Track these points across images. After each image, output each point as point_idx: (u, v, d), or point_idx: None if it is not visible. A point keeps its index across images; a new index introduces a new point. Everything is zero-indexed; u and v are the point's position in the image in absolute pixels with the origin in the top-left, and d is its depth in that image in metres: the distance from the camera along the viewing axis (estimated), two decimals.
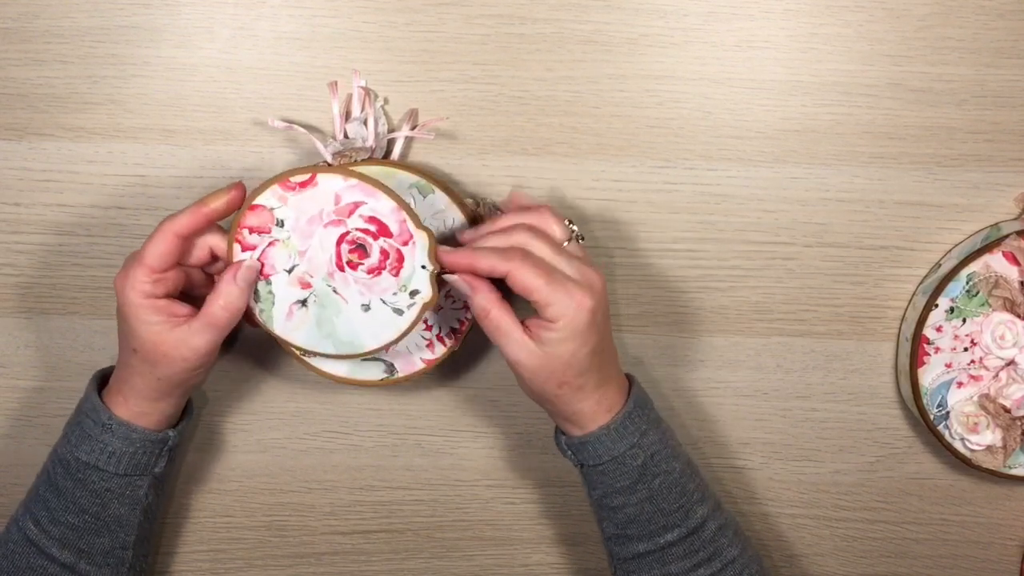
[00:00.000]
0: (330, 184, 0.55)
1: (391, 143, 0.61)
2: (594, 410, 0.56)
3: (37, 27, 0.60)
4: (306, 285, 0.57)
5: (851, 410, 0.67)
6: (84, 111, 0.61)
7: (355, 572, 0.69)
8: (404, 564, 0.69)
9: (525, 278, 0.52)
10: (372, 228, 0.55)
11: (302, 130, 0.60)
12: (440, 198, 0.59)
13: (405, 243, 0.55)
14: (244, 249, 0.56)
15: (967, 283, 0.62)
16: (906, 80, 0.62)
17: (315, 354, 0.59)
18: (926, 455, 0.68)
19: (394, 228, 0.55)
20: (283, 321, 0.57)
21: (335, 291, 0.57)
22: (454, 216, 0.59)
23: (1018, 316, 0.62)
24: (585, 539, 0.69)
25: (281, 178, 0.55)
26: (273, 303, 0.57)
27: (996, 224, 0.64)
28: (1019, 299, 0.62)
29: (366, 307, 0.57)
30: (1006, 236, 0.61)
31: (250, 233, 0.56)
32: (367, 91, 0.61)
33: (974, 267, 0.62)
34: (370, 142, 0.59)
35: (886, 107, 0.62)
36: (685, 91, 0.62)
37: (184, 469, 0.67)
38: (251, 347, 0.66)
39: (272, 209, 0.55)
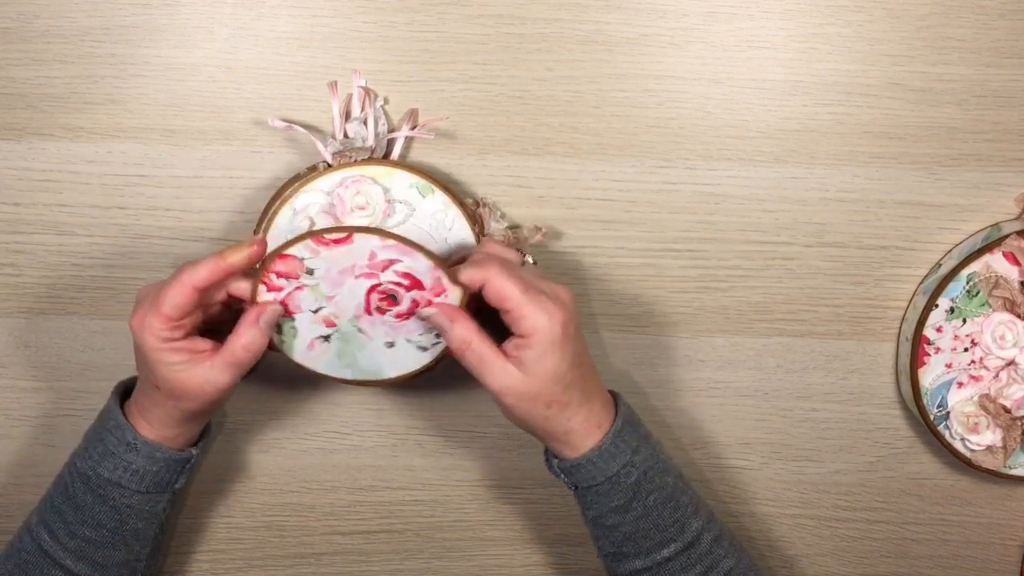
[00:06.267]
0: (366, 243, 0.54)
1: (391, 143, 0.61)
2: (584, 427, 0.56)
3: (37, 27, 0.60)
4: (331, 324, 0.56)
5: (851, 410, 0.67)
6: (84, 111, 0.61)
7: (355, 572, 0.69)
8: (404, 564, 0.69)
9: (503, 285, 0.52)
10: (405, 283, 0.55)
11: (302, 130, 0.60)
12: (440, 198, 0.59)
13: (437, 295, 0.55)
14: (270, 290, 0.55)
15: (967, 283, 0.62)
16: (906, 80, 0.62)
17: (333, 379, 0.58)
18: (926, 455, 0.68)
19: (427, 283, 0.55)
20: (303, 352, 0.57)
21: (360, 331, 0.57)
22: (453, 216, 0.59)
23: (1018, 316, 0.62)
24: (585, 539, 0.69)
25: (316, 234, 0.54)
26: (295, 336, 0.57)
27: (996, 224, 0.64)
28: (1019, 299, 0.62)
29: (390, 344, 0.57)
30: (1006, 236, 0.61)
31: (277, 277, 0.55)
32: (367, 91, 0.61)
33: (974, 267, 0.62)
34: (370, 142, 0.59)
35: (886, 107, 0.62)
36: (685, 91, 0.62)
37: None
38: None
39: (303, 259, 0.54)
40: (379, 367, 0.58)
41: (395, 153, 0.61)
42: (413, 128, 0.61)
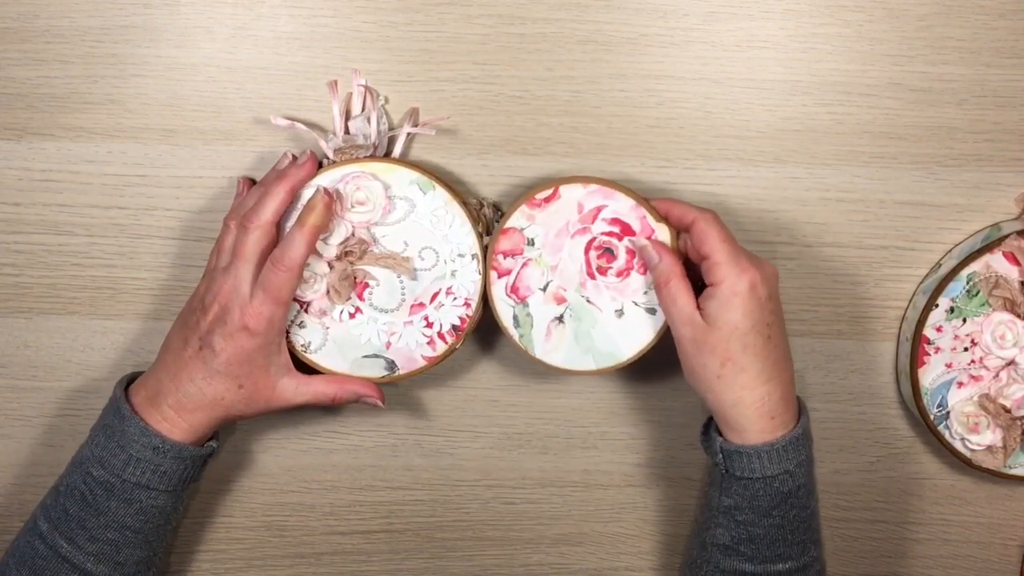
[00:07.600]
0: (572, 194, 0.58)
1: (392, 141, 0.61)
2: (756, 408, 0.55)
3: (37, 27, 0.60)
4: (561, 300, 0.59)
5: (851, 410, 0.67)
6: (84, 111, 0.61)
7: (355, 572, 0.69)
8: (404, 564, 0.69)
9: (709, 232, 0.55)
10: (616, 230, 0.58)
11: (304, 128, 0.60)
12: (440, 195, 0.59)
13: (648, 237, 0.58)
14: (500, 275, 0.58)
15: (967, 283, 0.62)
16: (906, 80, 0.62)
17: (573, 372, 0.60)
18: (926, 455, 0.68)
19: (636, 226, 0.58)
20: (542, 342, 0.59)
21: (589, 301, 0.59)
22: (454, 213, 0.59)
23: (1018, 316, 0.62)
24: (585, 539, 0.69)
25: (526, 197, 0.58)
26: (532, 325, 0.59)
27: (996, 224, 0.64)
28: (1019, 299, 0.62)
29: (619, 312, 0.59)
30: (1006, 236, 0.61)
31: (504, 258, 0.58)
32: (368, 89, 0.61)
33: (974, 267, 0.62)
34: (372, 139, 0.59)
35: (886, 107, 0.62)
36: (685, 91, 0.62)
37: None
38: None
39: (522, 229, 0.58)
40: (615, 346, 0.59)
41: (396, 151, 0.61)
42: (414, 127, 0.61)
